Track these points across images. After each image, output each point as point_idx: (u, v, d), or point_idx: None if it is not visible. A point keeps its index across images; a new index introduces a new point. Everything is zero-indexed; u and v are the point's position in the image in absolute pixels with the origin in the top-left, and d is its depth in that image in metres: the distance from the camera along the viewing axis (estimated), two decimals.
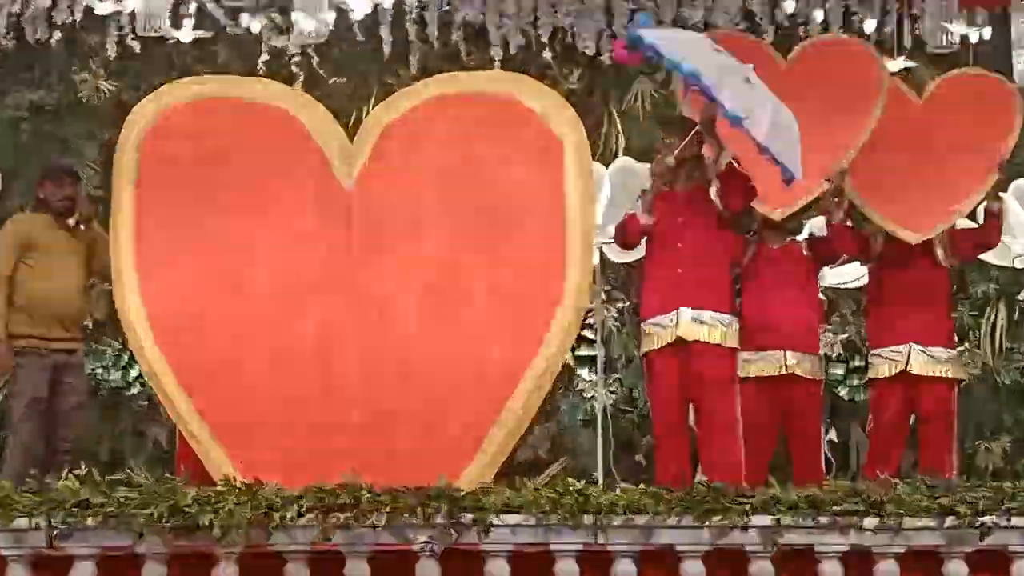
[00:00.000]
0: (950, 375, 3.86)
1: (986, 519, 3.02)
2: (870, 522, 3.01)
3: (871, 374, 3.96)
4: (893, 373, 3.80)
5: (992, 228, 3.84)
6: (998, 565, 3.07)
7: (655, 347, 3.48)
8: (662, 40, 3.37)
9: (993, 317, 5.11)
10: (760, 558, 3.02)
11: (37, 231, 3.77)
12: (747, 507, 3.04)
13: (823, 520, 3.02)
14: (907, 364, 3.76)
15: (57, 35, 4.82)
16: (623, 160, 4.52)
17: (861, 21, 4.73)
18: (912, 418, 3.92)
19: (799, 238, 4.00)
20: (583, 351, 4.73)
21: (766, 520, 3.01)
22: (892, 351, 3.79)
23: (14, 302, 3.70)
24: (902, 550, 3.03)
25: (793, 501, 3.07)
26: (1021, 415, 5.10)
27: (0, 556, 3.01)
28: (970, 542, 3.03)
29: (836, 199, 3.74)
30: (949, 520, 3.02)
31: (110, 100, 4.91)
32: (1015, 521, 3.03)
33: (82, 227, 3.85)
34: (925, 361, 3.76)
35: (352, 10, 4.59)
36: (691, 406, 3.55)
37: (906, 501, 3.05)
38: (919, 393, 3.80)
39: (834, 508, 3.02)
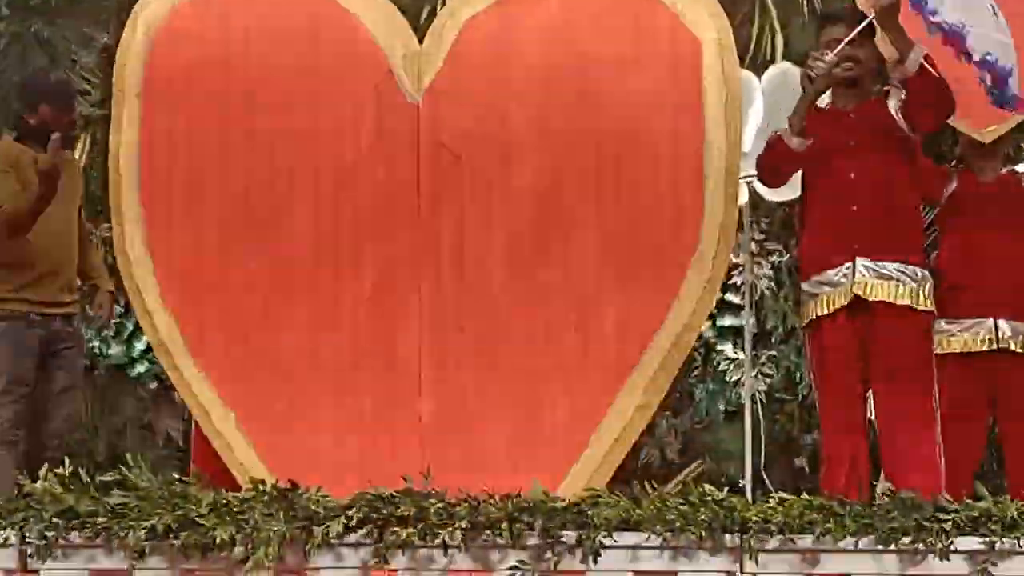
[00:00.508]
0: None
1: None
2: None
3: None
4: None
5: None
6: None
7: (822, 312, 2.70)
8: None
9: None
10: None
11: (24, 165, 3.07)
12: (948, 525, 2.34)
13: None
14: None
15: None
16: (781, 66, 3.75)
17: None
18: None
19: (1020, 168, 3.26)
20: (726, 320, 3.98)
21: (974, 543, 2.33)
22: None
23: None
24: None
25: (1010, 518, 2.36)
26: None
27: None
28: None
29: None
30: None
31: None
32: None
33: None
34: None
35: None
36: (871, 391, 2.77)
37: None
38: None
39: None
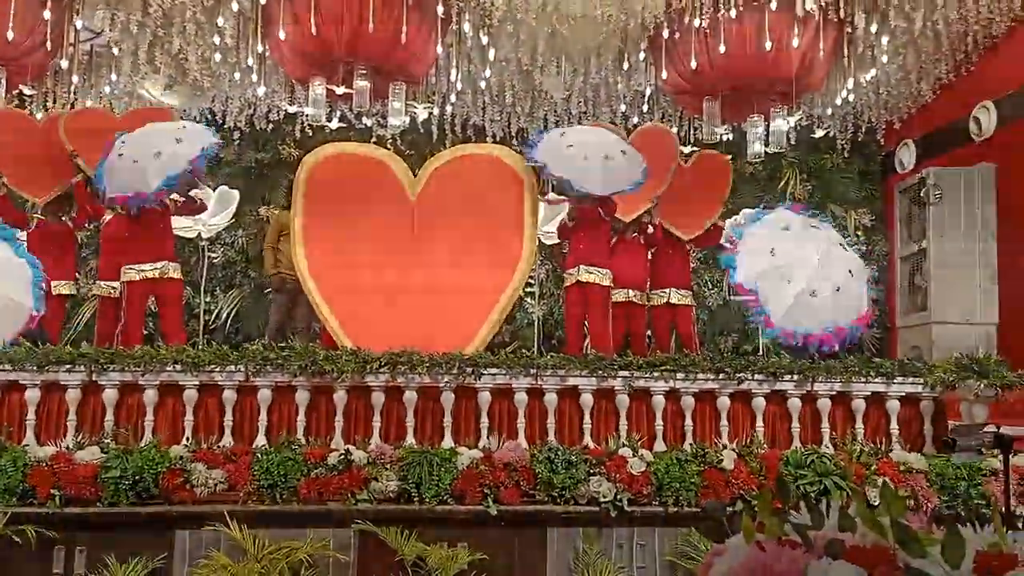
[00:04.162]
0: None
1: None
2: None
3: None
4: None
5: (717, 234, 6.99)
6: None
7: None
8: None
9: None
10: None
11: (284, 218, 6.89)
12: None
13: None
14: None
15: (267, 123, 8.20)
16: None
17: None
18: None
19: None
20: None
21: None
22: None
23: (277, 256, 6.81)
24: None
25: None
26: None
27: (216, 384, 5.31)
28: None
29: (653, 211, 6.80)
30: None
31: (295, 157, 7.94)
32: None
33: None
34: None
35: (416, 116, 7.91)
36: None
37: None
38: None
39: None
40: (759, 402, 5.66)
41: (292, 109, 8.31)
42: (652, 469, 5.10)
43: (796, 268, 5.67)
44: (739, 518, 1.72)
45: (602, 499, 5.00)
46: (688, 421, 5.58)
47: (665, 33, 7.16)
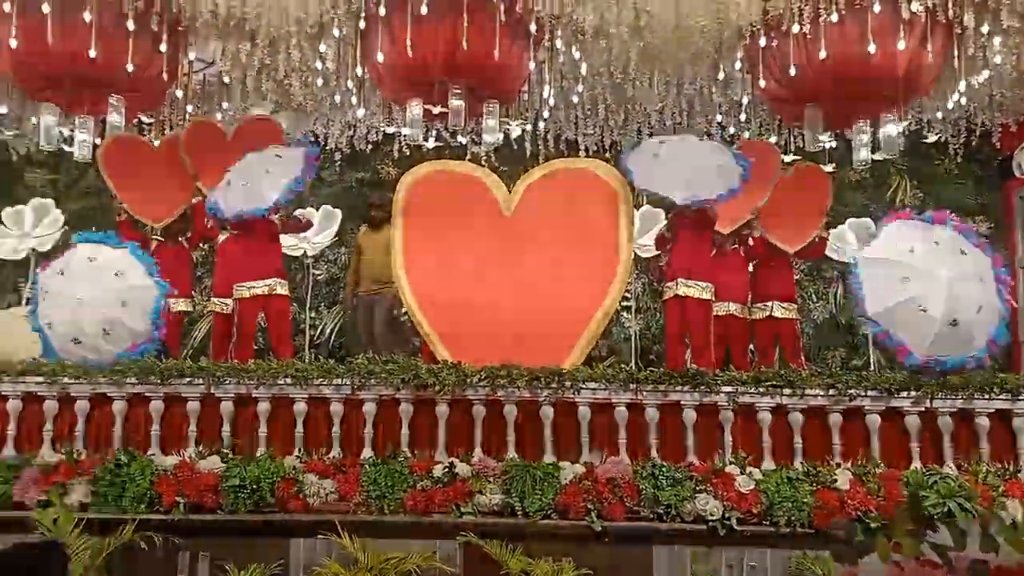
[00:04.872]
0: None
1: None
2: None
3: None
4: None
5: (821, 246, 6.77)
6: None
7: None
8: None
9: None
10: None
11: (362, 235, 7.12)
12: None
13: None
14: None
15: (366, 144, 8.44)
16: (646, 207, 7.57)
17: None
18: None
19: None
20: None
21: None
22: None
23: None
24: None
25: None
26: None
27: (324, 397, 5.49)
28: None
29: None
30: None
31: (393, 176, 8.17)
32: None
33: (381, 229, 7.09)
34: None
35: (510, 132, 8.01)
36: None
37: None
38: None
39: None
40: (873, 420, 5.44)
41: (390, 130, 8.53)
42: (761, 488, 4.96)
43: (931, 298, 5.29)
44: (868, 539, 1.66)
45: (710, 517, 4.90)
46: (797, 439, 5.41)
47: (762, 40, 7.01)
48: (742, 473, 5.06)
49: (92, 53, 6.62)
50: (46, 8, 6.46)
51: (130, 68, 6.95)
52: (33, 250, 8.72)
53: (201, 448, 5.37)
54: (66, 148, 8.04)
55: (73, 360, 5.63)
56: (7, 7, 6.54)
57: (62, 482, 5.01)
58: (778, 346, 7.04)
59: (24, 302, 8.56)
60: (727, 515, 4.89)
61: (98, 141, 7.66)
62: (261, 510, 5.00)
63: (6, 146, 9.27)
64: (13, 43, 6.68)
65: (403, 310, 6.75)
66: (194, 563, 4.86)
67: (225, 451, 5.30)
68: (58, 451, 5.37)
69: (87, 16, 6.57)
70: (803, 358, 6.97)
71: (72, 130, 7.73)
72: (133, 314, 5.75)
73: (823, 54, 6.62)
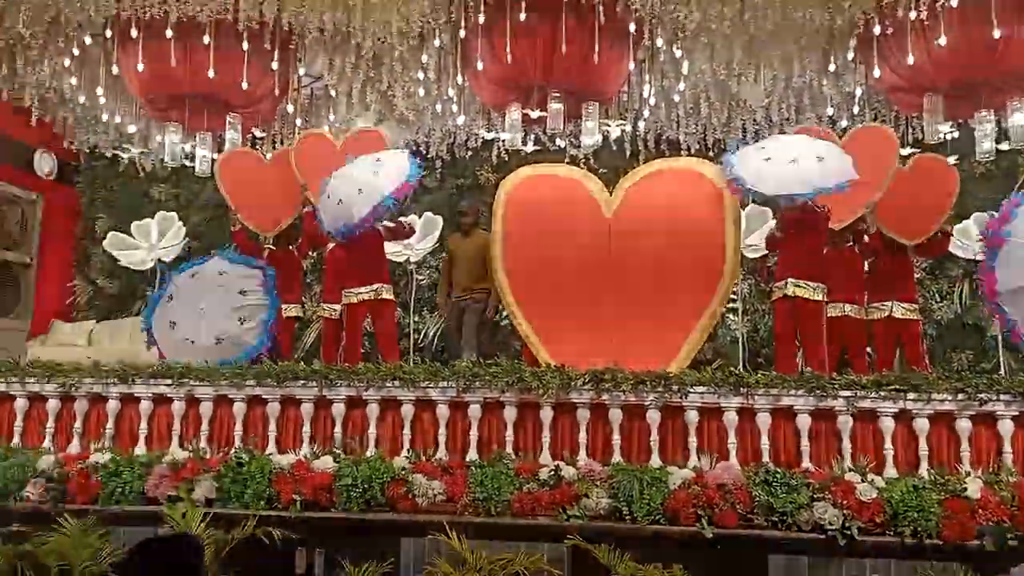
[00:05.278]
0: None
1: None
2: None
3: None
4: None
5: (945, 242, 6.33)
6: None
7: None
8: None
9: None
10: None
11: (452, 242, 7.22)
12: None
13: None
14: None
15: (466, 151, 8.68)
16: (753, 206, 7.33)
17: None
18: None
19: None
20: None
21: None
22: None
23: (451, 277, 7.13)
24: None
25: None
26: None
27: (430, 399, 5.53)
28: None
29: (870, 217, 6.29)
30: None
31: (492, 182, 8.40)
32: None
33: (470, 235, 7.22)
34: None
35: (609, 134, 7.95)
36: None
37: None
38: None
39: None
40: (1006, 425, 5.08)
41: (489, 136, 8.64)
42: (884, 496, 4.71)
43: None
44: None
45: (829, 526, 4.68)
46: (923, 445, 5.12)
47: (876, 29, 6.70)
48: (863, 481, 4.81)
49: (211, 73, 7.00)
50: (169, 33, 6.87)
51: (244, 86, 7.31)
52: (159, 261, 9.28)
53: (316, 448, 5.55)
54: (187, 164, 8.54)
55: (178, 359, 6.02)
56: (134, 33, 6.98)
57: (189, 478, 5.26)
58: (899, 348, 6.68)
59: None
60: (847, 524, 4.66)
61: (215, 156, 8.09)
62: (372, 509, 5.11)
63: (134, 163, 9.88)
64: (140, 67, 7.14)
65: (503, 312, 6.78)
66: (310, 560, 5.02)
67: (337, 451, 5.46)
68: (185, 449, 5.66)
69: (206, 39, 6.96)
70: (927, 361, 6.59)
71: (193, 147, 8.21)
72: (246, 330, 6.15)
73: (943, 42, 6.30)
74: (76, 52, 7.58)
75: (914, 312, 6.68)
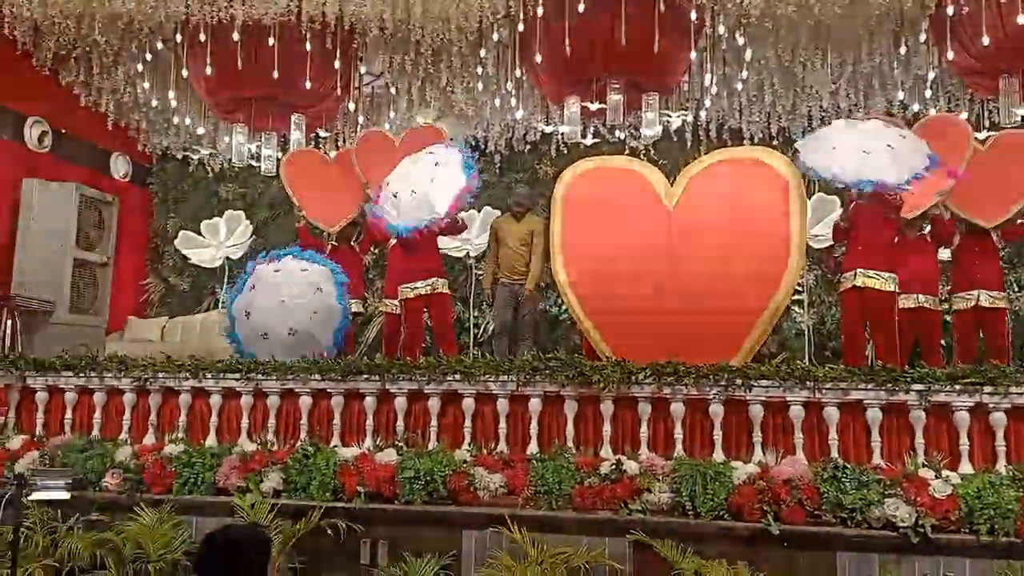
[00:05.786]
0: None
1: None
2: None
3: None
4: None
5: None
6: None
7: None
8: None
9: None
10: None
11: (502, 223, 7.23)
12: None
13: None
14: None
15: (524, 144, 8.76)
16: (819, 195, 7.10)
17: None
18: None
19: None
20: None
21: None
22: None
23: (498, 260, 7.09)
24: None
25: None
26: None
27: (490, 393, 5.57)
28: None
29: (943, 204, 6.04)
30: None
31: (550, 175, 8.44)
32: None
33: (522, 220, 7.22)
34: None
35: (670, 124, 7.84)
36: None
37: None
38: None
39: None
40: None
41: (547, 129, 8.65)
42: (960, 493, 4.54)
43: None
44: None
45: (901, 524, 4.53)
46: (1000, 440, 4.91)
47: (950, 9, 6.44)
48: (937, 477, 4.64)
49: (275, 74, 7.17)
50: (236, 36, 7.06)
51: (308, 85, 7.46)
52: (227, 258, 9.55)
53: (379, 441, 5.63)
54: (253, 164, 8.77)
55: (252, 350, 6.19)
56: (202, 37, 7.20)
57: (258, 470, 5.40)
58: (981, 339, 6.40)
59: (219, 306, 9.42)
60: (920, 522, 4.50)
61: (279, 155, 8.28)
62: (435, 501, 5.16)
63: (203, 164, 10.19)
64: (208, 70, 7.36)
65: (562, 306, 6.75)
66: (374, 550, 5.10)
67: (399, 444, 5.53)
68: (253, 441, 5.82)
69: (270, 40, 7.13)
70: (1011, 353, 6.29)
71: (259, 147, 8.43)
72: (319, 327, 6.29)
73: (1021, 20, 6.01)
74: (148, 57, 7.86)
75: (1002, 300, 6.36)
